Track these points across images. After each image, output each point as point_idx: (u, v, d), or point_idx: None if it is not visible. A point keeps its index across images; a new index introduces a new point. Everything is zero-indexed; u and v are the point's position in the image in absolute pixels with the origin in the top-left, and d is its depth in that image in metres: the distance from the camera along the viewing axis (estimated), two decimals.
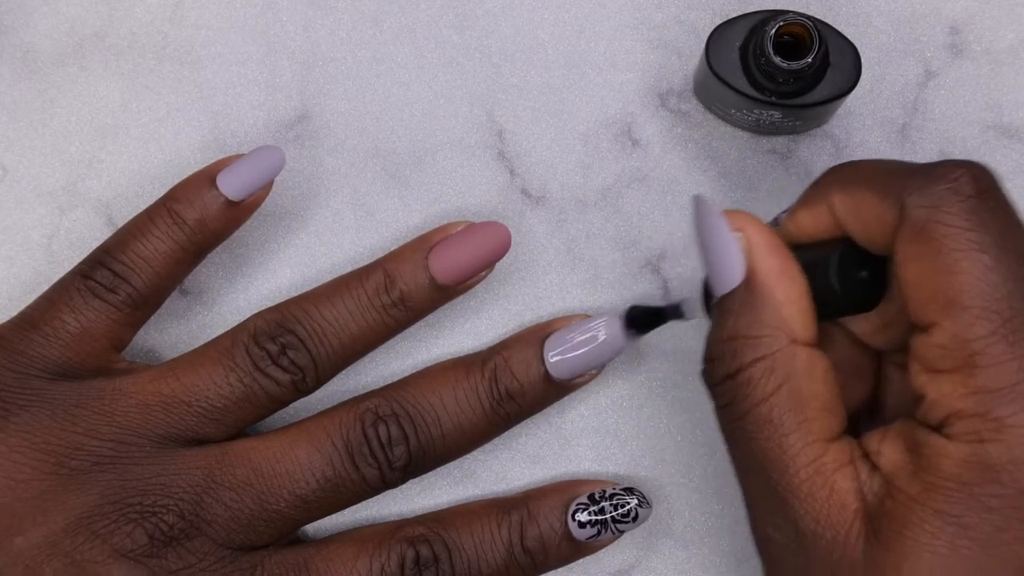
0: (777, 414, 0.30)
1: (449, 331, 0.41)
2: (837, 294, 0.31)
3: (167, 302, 0.41)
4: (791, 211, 0.32)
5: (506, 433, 0.39)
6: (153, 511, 0.35)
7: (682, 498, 0.40)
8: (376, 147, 0.42)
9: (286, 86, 0.42)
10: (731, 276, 0.31)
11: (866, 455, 0.30)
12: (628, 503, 0.38)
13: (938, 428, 0.28)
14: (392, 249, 0.41)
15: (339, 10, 0.42)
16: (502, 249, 0.38)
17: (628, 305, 0.37)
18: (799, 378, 0.30)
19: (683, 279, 0.40)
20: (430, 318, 0.39)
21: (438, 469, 0.38)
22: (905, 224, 0.29)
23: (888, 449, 0.29)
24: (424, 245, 0.38)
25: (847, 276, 0.31)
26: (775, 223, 0.33)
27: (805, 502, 0.29)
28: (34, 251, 0.41)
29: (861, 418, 0.34)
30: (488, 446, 0.40)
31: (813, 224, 0.32)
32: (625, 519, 0.38)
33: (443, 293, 0.38)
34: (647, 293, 0.41)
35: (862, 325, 0.33)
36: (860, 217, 0.30)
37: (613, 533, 0.38)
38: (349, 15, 0.42)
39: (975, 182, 0.29)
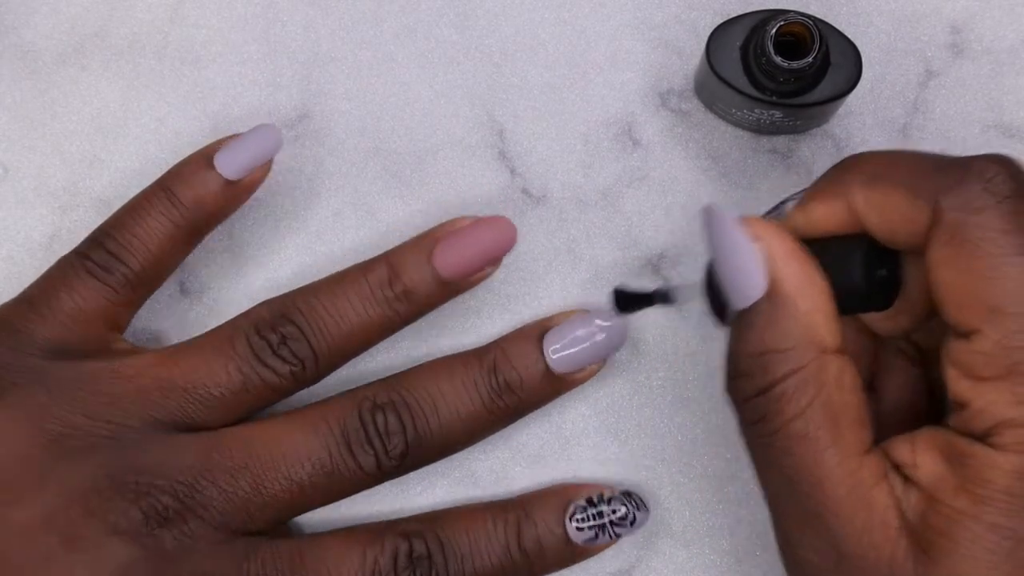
0: (812, 429, 0.28)
1: (449, 330, 0.41)
2: (860, 293, 0.30)
3: (168, 303, 0.41)
4: (803, 202, 0.31)
5: (506, 432, 0.39)
6: (148, 491, 0.35)
7: (682, 498, 0.40)
8: (377, 147, 0.42)
9: (286, 86, 0.42)
10: (753, 289, 0.29)
11: (896, 467, 0.29)
12: (626, 507, 0.38)
13: (983, 438, 0.27)
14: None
15: (339, 10, 0.42)
16: (507, 244, 0.38)
17: (614, 286, 0.36)
18: (831, 389, 0.28)
19: (683, 279, 0.40)
20: (431, 316, 0.39)
21: (438, 468, 0.38)
22: (940, 226, 0.28)
23: (924, 460, 0.28)
24: (429, 239, 0.38)
25: (870, 274, 0.30)
26: (779, 211, 0.32)
27: (847, 522, 0.28)
28: (35, 251, 0.41)
29: None
30: (488, 445, 0.40)
31: (827, 218, 0.30)
32: (623, 523, 0.38)
33: (447, 288, 0.38)
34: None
35: (869, 314, 0.32)
36: (885, 215, 0.29)
37: (611, 537, 0.38)
38: (349, 15, 0.42)
39: (1012, 181, 0.27)
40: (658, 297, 0.35)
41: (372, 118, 0.42)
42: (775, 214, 0.37)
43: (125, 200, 0.41)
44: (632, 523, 0.38)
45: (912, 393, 0.32)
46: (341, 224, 0.41)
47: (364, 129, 0.42)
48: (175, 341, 0.41)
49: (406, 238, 0.40)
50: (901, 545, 0.28)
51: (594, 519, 0.37)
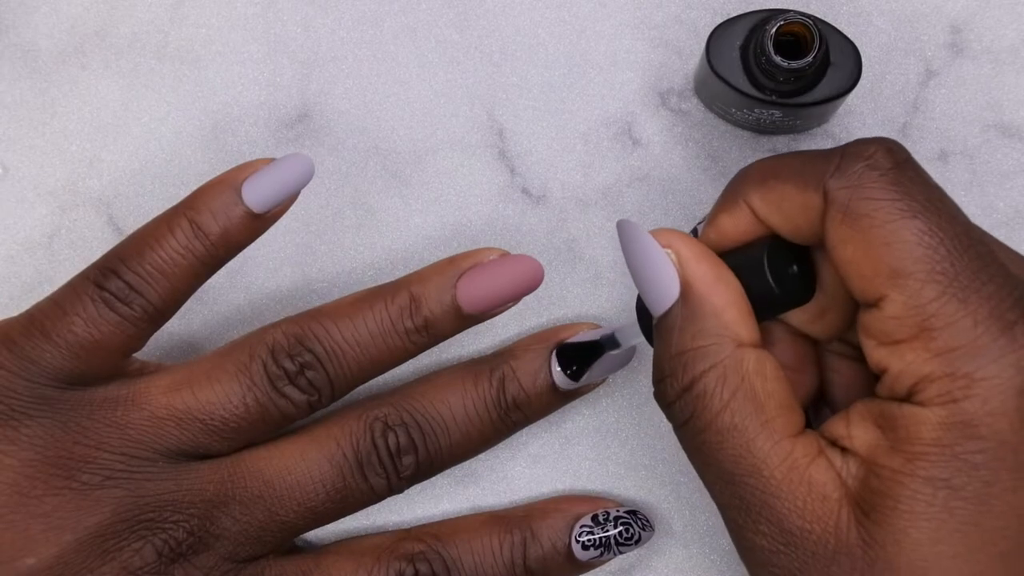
0: (739, 419, 0.29)
1: None
2: (774, 292, 0.31)
3: None
4: (709, 218, 0.32)
5: None
6: (163, 527, 0.34)
7: (682, 498, 0.40)
8: (376, 146, 0.42)
9: (286, 86, 0.42)
10: (667, 293, 0.30)
11: (833, 443, 0.30)
12: (632, 526, 0.38)
13: (907, 398, 0.28)
14: (394, 248, 0.41)
15: (339, 10, 0.42)
16: (534, 284, 0.37)
17: (560, 345, 0.38)
18: (752, 380, 0.30)
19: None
20: None
21: None
22: (832, 208, 0.29)
23: (857, 430, 0.29)
24: (453, 270, 0.37)
25: (780, 273, 0.31)
26: (694, 234, 0.33)
27: (787, 500, 0.29)
28: (35, 250, 0.41)
29: (809, 412, 0.34)
30: None
31: (735, 227, 0.32)
32: (628, 542, 0.38)
33: (467, 321, 0.37)
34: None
35: (798, 316, 0.33)
36: (783, 211, 0.30)
37: (614, 554, 0.38)
38: (349, 15, 0.42)
39: (890, 155, 0.29)
40: (606, 343, 0.37)
41: (372, 118, 0.42)
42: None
43: (125, 200, 0.41)
44: (637, 542, 0.38)
45: (861, 391, 0.33)
46: (341, 223, 0.41)
47: (364, 129, 0.42)
48: (175, 339, 0.41)
49: (406, 238, 0.41)
50: (843, 514, 0.28)
51: (599, 538, 0.38)
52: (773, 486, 0.29)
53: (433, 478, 0.38)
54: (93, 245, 0.41)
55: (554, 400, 0.38)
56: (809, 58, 0.36)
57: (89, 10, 0.42)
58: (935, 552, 0.27)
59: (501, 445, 0.40)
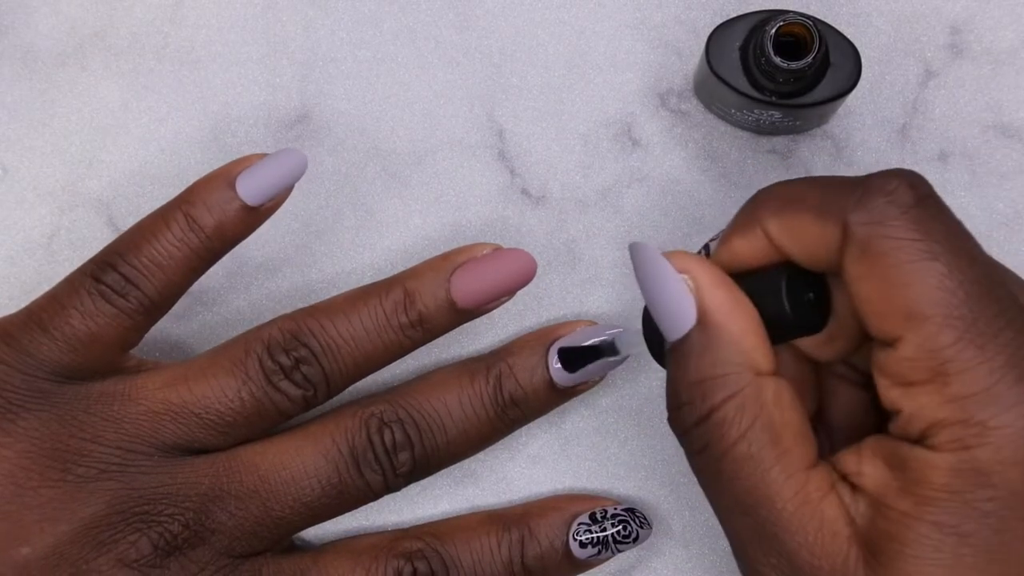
0: (756, 450, 0.29)
1: None
2: (789, 319, 0.30)
3: None
4: (723, 239, 0.32)
5: None
6: (159, 520, 0.35)
7: (682, 498, 0.40)
8: (376, 147, 0.42)
9: (286, 86, 0.42)
10: (684, 320, 0.30)
11: (844, 478, 0.29)
12: (630, 524, 0.38)
13: (919, 440, 0.28)
14: (394, 248, 0.41)
15: (339, 10, 0.42)
16: (527, 277, 0.37)
17: (559, 346, 0.38)
18: (770, 410, 0.29)
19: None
20: None
21: None
22: (851, 243, 0.28)
23: (869, 468, 0.29)
24: (447, 265, 0.37)
25: (797, 299, 0.30)
26: (706, 252, 0.33)
27: (797, 535, 0.28)
28: (34, 251, 0.41)
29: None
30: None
31: (749, 251, 0.31)
32: (626, 540, 0.38)
33: (461, 316, 0.37)
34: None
35: (805, 340, 0.32)
36: (800, 240, 0.30)
37: (612, 553, 0.38)
38: (349, 15, 0.42)
39: (913, 191, 0.28)
40: (604, 349, 0.37)
41: (372, 118, 0.42)
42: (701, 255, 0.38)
43: (125, 200, 0.41)
44: (635, 540, 0.38)
45: (861, 416, 0.33)
46: (340, 224, 0.41)
47: (364, 129, 0.42)
48: (175, 339, 0.41)
49: (405, 238, 0.41)
50: (852, 553, 0.28)
51: (597, 536, 0.38)
52: (785, 519, 0.29)
53: (432, 478, 0.38)
54: (93, 245, 0.41)
55: (552, 397, 0.38)
56: (809, 59, 0.36)
57: (89, 11, 0.42)
58: None
59: (500, 445, 0.40)
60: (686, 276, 0.30)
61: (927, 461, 0.28)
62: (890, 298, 0.28)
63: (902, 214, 0.28)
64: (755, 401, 0.29)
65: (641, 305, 0.33)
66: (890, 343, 0.28)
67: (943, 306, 0.27)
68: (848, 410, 0.33)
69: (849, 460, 0.29)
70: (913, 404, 0.28)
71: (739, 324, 0.30)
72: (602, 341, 0.37)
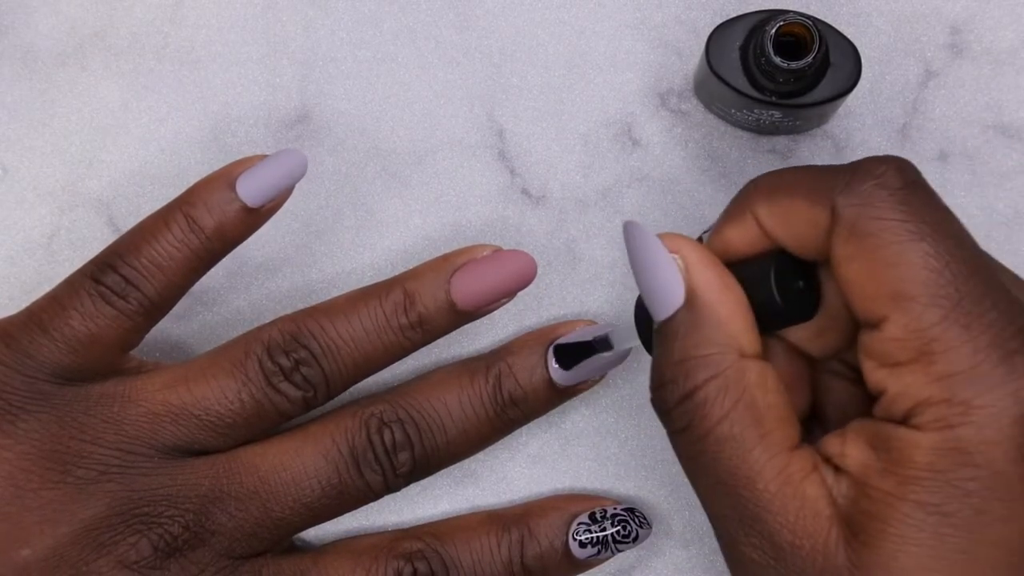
0: (738, 430, 0.29)
1: None
2: (778, 306, 0.30)
3: None
4: (715, 229, 0.32)
5: None
6: (159, 522, 0.35)
7: (682, 498, 0.40)
8: (376, 147, 0.42)
9: (286, 86, 0.42)
10: (672, 298, 0.30)
11: (827, 460, 0.29)
12: (629, 524, 0.38)
13: (903, 420, 0.28)
14: (394, 248, 0.41)
15: (339, 10, 0.42)
16: (527, 279, 0.37)
17: (555, 343, 0.38)
18: (753, 391, 0.29)
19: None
20: None
21: None
22: (839, 225, 0.29)
23: (852, 450, 0.29)
24: (447, 267, 0.37)
25: (786, 287, 0.31)
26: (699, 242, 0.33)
27: (779, 515, 0.29)
28: (34, 251, 0.41)
29: (803, 429, 0.34)
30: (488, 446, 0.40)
31: (740, 239, 0.31)
32: (626, 540, 0.38)
33: (461, 317, 0.37)
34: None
35: (798, 333, 0.33)
36: (790, 225, 0.30)
37: (612, 552, 0.38)
38: (349, 15, 0.42)
39: (901, 174, 0.29)
40: (598, 344, 0.37)
41: (372, 118, 0.42)
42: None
43: (125, 200, 0.41)
44: (634, 540, 0.38)
45: (855, 413, 0.33)
46: (340, 224, 0.41)
47: (364, 129, 0.42)
48: (175, 339, 0.41)
49: (405, 238, 0.41)
50: (833, 533, 0.28)
51: (597, 536, 0.38)
52: (766, 499, 0.29)
53: (432, 478, 0.38)
54: (93, 246, 0.41)
55: (552, 396, 0.38)
56: (809, 59, 0.36)
57: (89, 11, 0.42)
58: None
59: (500, 445, 0.40)
60: (676, 256, 0.30)
61: (910, 440, 0.28)
62: (876, 278, 0.28)
63: (889, 196, 0.28)
64: (738, 382, 0.29)
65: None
66: (876, 324, 0.28)
67: (929, 286, 0.28)
68: (843, 407, 0.33)
69: (833, 443, 0.30)
70: (898, 384, 0.28)
71: (727, 305, 0.30)
72: (595, 336, 0.37)
